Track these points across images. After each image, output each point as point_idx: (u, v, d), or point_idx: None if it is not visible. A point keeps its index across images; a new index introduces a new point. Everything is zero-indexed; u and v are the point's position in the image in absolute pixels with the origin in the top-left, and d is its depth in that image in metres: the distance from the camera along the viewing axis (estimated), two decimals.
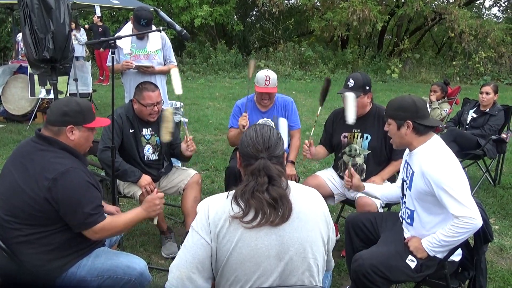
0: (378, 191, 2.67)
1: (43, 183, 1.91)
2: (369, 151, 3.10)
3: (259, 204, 1.52)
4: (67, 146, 2.04)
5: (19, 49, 9.10)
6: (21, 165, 1.99)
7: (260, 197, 1.53)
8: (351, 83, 2.99)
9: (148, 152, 3.24)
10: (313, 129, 3.16)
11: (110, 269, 2.07)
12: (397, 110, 2.27)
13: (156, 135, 3.25)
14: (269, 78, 3.37)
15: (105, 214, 2.08)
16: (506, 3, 19.95)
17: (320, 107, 3.14)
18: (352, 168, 2.68)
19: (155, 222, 2.41)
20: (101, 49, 11.03)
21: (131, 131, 3.15)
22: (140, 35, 4.04)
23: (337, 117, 3.25)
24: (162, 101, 3.21)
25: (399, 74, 14.38)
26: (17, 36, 9.99)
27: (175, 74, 2.89)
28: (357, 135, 3.13)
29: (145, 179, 3.08)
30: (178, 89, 2.83)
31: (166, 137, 2.86)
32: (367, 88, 3.01)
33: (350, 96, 2.86)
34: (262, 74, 3.40)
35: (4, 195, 1.99)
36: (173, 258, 2.92)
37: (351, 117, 2.85)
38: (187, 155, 3.20)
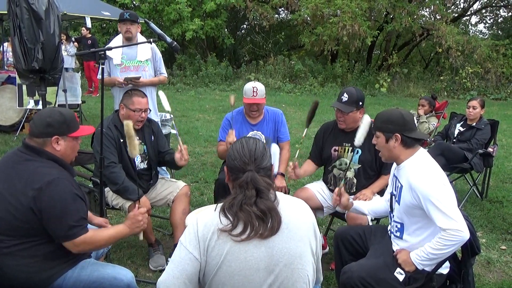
0: (365, 207, 2.68)
1: (28, 192, 1.88)
2: (360, 165, 3.11)
3: (248, 217, 1.51)
4: (54, 156, 2.02)
5: (5, 59, 9.05)
6: (6, 175, 1.96)
7: (249, 210, 1.52)
8: (345, 97, 3.02)
9: (137, 161, 3.23)
10: (298, 152, 3.10)
11: (96, 281, 2.04)
12: (385, 123, 2.29)
13: (143, 143, 3.24)
14: (257, 89, 3.39)
15: (88, 228, 2.05)
16: (491, 20, 20.41)
17: (306, 129, 3.17)
18: (343, 188, 2.61)
19: (141, 237, 2.37)
20: (95, 65, 10.98)
21: (121, 140, 3.13)
22: (130, 45, 4.04)
23: (327, 130, 3.27)
24: (149, 110, 3.21)
25: (388, 88, 14.54)
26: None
27: (162, 95, 3.06)
28: (348, 149, 3.14)
29: (145, 204, 2.96)
30: (166, 106, 3.02)
31: (134, 152, 2.36)
32: (360, 103, 3.04)
33: (366, 120, 2.56)
34: (250, 85, 3.42)
35: None
36: (161, 271, 2.88)
37: (359, 139, 2.53)
38: (181, 164, 3.17)
